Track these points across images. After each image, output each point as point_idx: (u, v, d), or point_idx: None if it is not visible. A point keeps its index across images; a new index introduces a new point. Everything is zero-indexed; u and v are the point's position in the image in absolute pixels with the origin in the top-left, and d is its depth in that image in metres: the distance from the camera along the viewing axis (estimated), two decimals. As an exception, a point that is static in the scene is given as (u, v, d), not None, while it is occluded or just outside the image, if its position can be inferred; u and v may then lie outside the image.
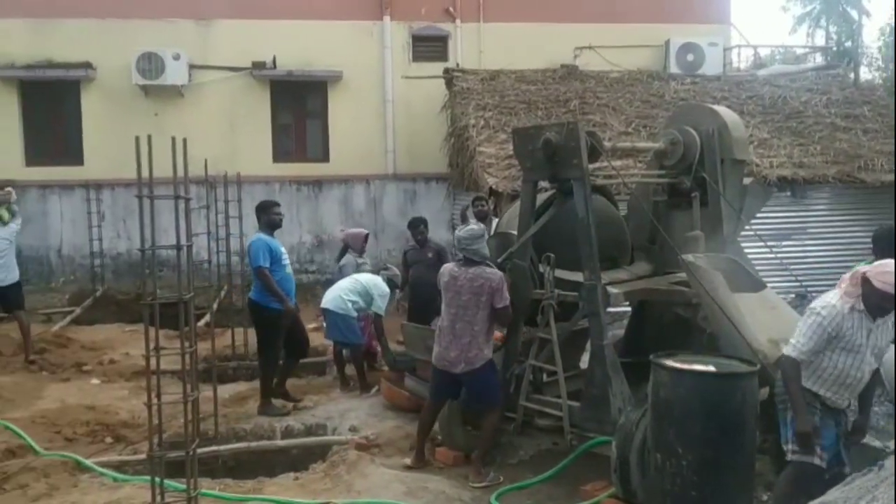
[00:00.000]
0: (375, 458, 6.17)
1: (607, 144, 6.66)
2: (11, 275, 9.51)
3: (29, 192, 13.82)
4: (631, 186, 7.40)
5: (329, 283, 9.72)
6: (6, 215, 9.62)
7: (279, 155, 14.74)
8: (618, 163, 9.36)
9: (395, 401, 7.54)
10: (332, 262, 12.26)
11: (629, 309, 7.51)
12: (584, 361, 6.74)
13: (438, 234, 14.39)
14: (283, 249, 7.77)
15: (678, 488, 4.50)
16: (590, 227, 5.83)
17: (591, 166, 6.05)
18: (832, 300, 4.39)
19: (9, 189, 9.72)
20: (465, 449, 6.23)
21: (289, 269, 7.81)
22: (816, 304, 4.45)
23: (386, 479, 5.67)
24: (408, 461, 6.16)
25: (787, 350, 4.44)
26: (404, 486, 5.56)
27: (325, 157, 14.84)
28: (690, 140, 6.45)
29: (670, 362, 4.66)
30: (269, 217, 7.71)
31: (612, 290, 5.88)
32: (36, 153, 14.23)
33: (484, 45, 14.81)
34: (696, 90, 13.30)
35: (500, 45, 14.64)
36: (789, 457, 4.46)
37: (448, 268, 6.04)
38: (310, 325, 11.23)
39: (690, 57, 14.54)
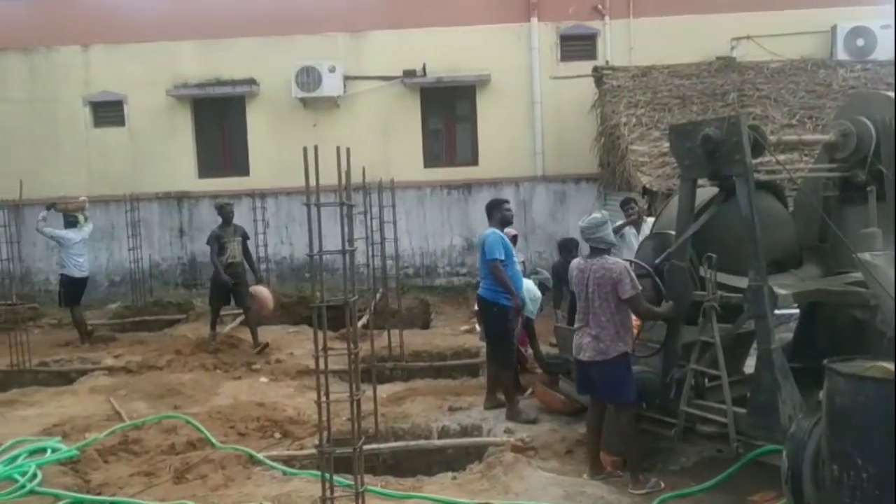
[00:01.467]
0: (532, 460, 6.15)
1: (771, 138, 6.33)
2: (86, 270, 11.62)
3: (202, 203, 14.83)
4: (798, 182, 7.00)
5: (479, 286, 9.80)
6: (82, 220, 11.61)
7: (429, 160, 15.03)
8: (782, 157, 8.88)
9: (550, 404, 7.51)
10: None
11: (797, 311, 7.11)
12: (749, 366, 6.44)
13: (589, 235, 14.22)
14: (512, 249, 7.80)
15: (858, 503, 4.20)
16: (754, 225, 5.56)
17: (753, 162, 5.77)
18: None
19: (84, 199, 11.67)
20: (624, 454, 6.10)
21: (518, 268, 7.86)
22: None
23: (543, 482, 5.66)
24: (585, 475, 5.95)
25: None
26: (562, 490, 5.53)
27: (474, 161, 15.00)
28: (864, 130, 6.01)
29: (848, 368, 4.36)
30: (501, 213, 7.80)
31: (780, 291, 5.58)
32: (207, 166, 15.25)
33: (634, 41, 14.47)
34: (868, 77, 12.44)
35: (651, 40, 14.26)
36: None
37: (576, 262, 6.06)
38: (462, 328, 11.45)
39: (860, 42, 13.60)
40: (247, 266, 11.14)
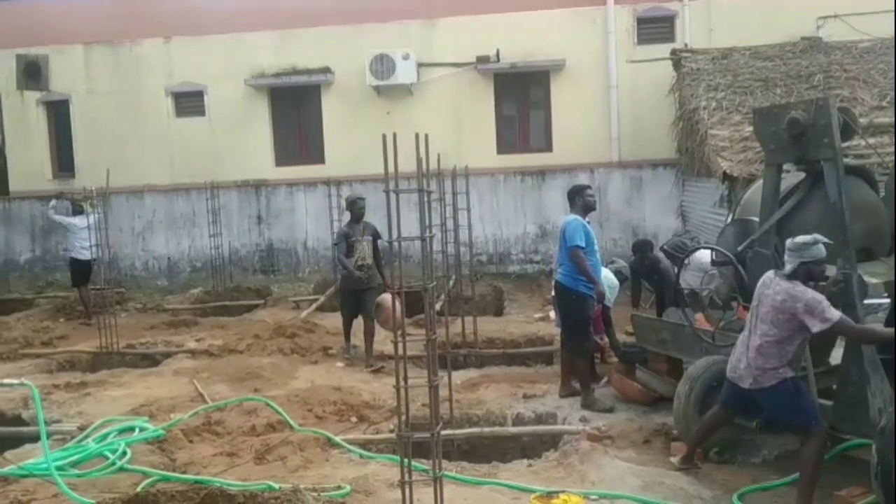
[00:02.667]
0: (609, 449, 6.09)
1: (861, 121, 6.10)
2: (91, 253, 12.13)
3: (279, 191, 15.13)
4: (889, 166, 6.72)
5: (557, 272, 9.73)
6: (88, 208, 12.39)
7: (503, 146, 14.96)
8: (872, 140, 8.54)
9: (627, 393, 7.41)
10: (556, 252, 12.28)
11: (887, 301, 6.83)
12: (835, 357, 6.23)
13: (666, 222, 13.99)
14: (594, 236, 7.63)
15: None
16: (843, 212, 5.37)
17: (842, 145, 5.56)
18: None
19: (91, 189, 12.14)
20: (703, 445, 5.98)
21: (598, 256, 7.68)
22: None
23: (620, 472, 5.60)
24: (673, 460, 5.82)
25: None
26: (640, 481, 5.46)
27: (548, 147, 14.86)
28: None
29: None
30: (584, 200, 7.60)
31: (871, 279, 5.38)
32: (284, 154, 15.54)
33: (714, 23, 14.06)
34: (963, 55, 11.79)
35: (731, 21, 13.85)
36: None
37: (767, 274, 5.25)
38: (536, 315, 11.40)
39: (956, 18, 12.89)
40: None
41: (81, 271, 12.59)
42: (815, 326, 4.88)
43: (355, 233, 9.57)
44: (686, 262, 7.48)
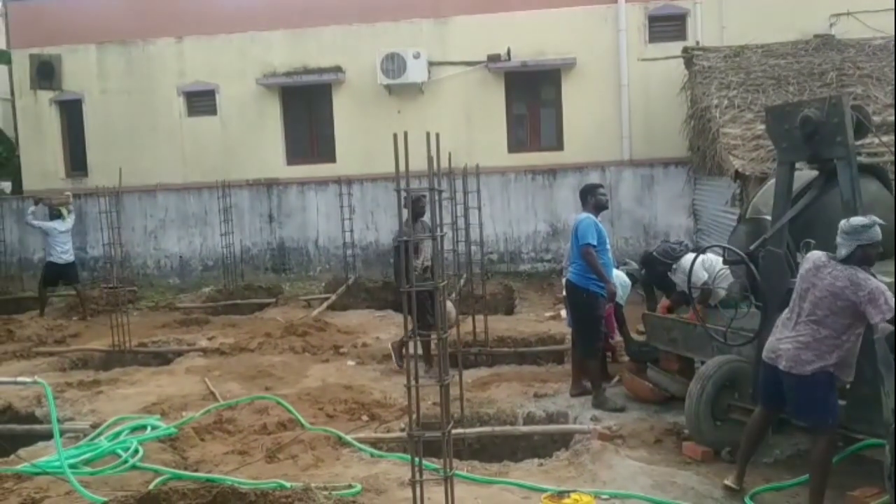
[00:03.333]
0: (620, 449, 6.08)
1: (875, 119, 6.05)
2: (71, 256, 12.83)
3: (290, 190, 15.17)
4: (902, 164, 6.68)
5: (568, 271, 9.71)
6: (65, 213, 12.87)
7: (514, 145, 14.97)
8: (886, 138, 8.48)
9: (638, 392, 7.38)
10: (567, 250, 12.26)
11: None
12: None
13: (678, 220, 13.94)
14: (606, 234, 7.59)
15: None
16: (856, 211, 5.32)
17: (856, 144, 5.52)
18: None
19: (68, 194, 12.76)
20: (714, 444, 5.97)
21: (610, 255, 7.65)
22: None
23: (632, 472, 5.59)
24: (728, 482, 5.38)
25: None
26: (651, 480, 5.44)
27: (559, 146, 14.85)
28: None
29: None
30: (596, 198, 7.56)
31: (884, 279, 5.32)
32: (295, 153, 15.59)
33: (726, 20, 14.02)
34: (979, 53, 11.69)
35: (743, 18, 13.81)
36: None
37: (816, 255, 5.07)
38: (547, 314, 11.39)
39: (971, 15, 12.78)
40: None
41: (55, 274, 13.00)
42: (876, 317, 4.67)
43: (418, 232, 8.88)
44: (674, 266, 7.67)
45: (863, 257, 4.83)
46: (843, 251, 4.84)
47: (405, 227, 8.48)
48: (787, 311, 5.18)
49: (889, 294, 4.69)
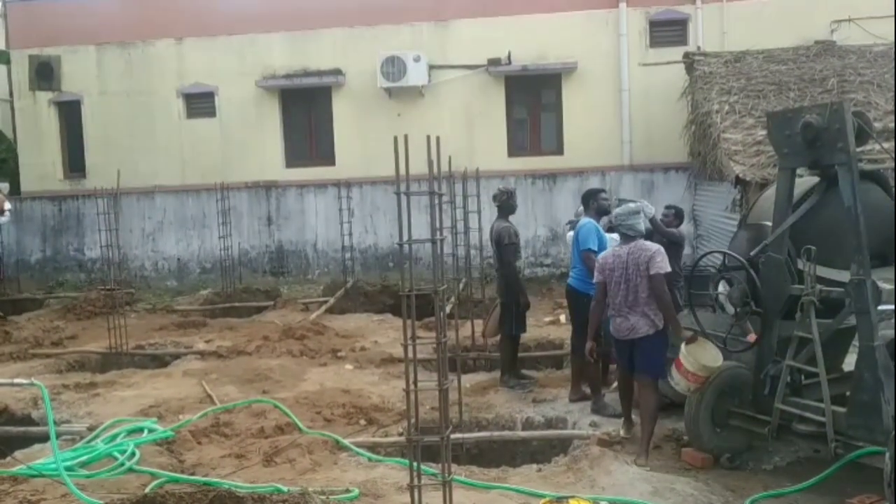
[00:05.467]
0: (619, 454, 6.05)
1: (877, 125, 6.03)
2: None
3: (289, 192, 15.15)
4: (903, 170, 6.65)
5: (564, 276, 9.69)
6: None
7: (514, 149, 14.96)
8: (887, 145, 8.47)
9: (637, 398, 7.34)
10: (567, 255, 12.24)
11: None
12: (848, 363, 6.17)
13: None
14: (608, 239, 7.53)
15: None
16: (857, 217, 5.30)
17: (857, 150, 5.50)
18: None
19: (2, 196, 12.67)
20: (714, 451, 5.95)
21: None
22: None
23: (630, 478, 5.56)
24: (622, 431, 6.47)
25: None
26: (650, 486, 5.42)
27: (559, 150, 14.84)
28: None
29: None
30: (598, 203, 7.61)
31: (885, 286, 5.31)
32: (294, 155, 15.57)
33: (727, 26, 14.03)
34: (979, 60, 11.68)
35: (745, 24, 13.82)
36: None
37: (608, 253, 6.41)
38: (546, 318, 11.35)
39: (971, 22, 12.79)
40: None
41: None
42: (652, 269, 6.06)
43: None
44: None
45: (624, 238, 6.29)
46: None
47: (513, 226, 8.27)
48: (618, 299, 6.22)
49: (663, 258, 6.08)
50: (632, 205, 6.36)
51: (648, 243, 6.24)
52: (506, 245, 8.13)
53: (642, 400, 6.22)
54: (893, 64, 11.36)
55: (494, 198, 8.44)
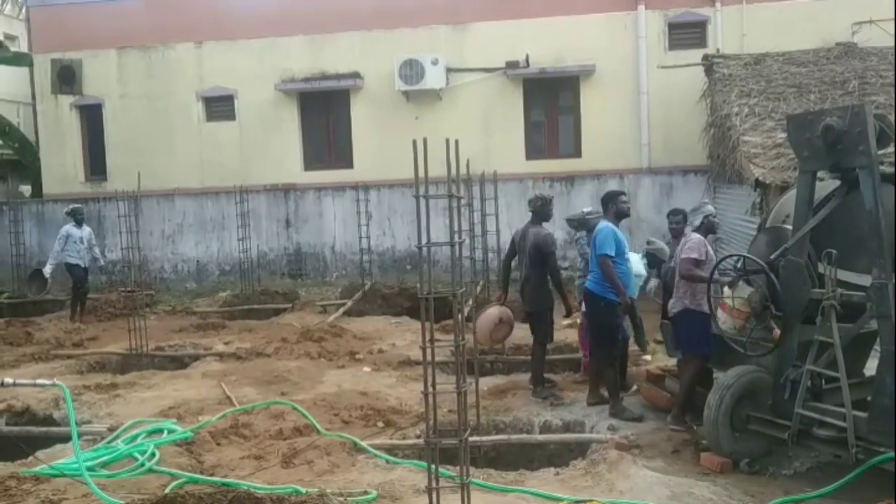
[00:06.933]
0: (637, 459, 6.02)
1: (899, 128, 5.97)
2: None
3: (307, 195, 15.22)
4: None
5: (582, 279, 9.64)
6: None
7: (532, 152, 14.94)
8: (909, 148, 8.38)
9: (656, 401, 7.34)
10: (574, 257, 12.17)
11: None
12: (869, 368, 6.12)
13: (696, 229, 13.81)
14: (626, 243, 7.51)
15: None
16: (879, 220, 5.26)
17: (878, 153, 5.46)
18: None
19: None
20: (733, 456, 5.91)
21: (629, 265, 7.56)
22: None
23: (649, 482, 5.54)
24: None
25: None
26: (668, 490, 5.39)
27: (577, 153, 14.81)
28: None
29: None
30: (617, 206, 7.49)
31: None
32: (313, 158, 15.65)
33: (747, 28, 13.96)
34: None
35: (764, 26, 13.73)
36: None
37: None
38: (564, 322, 11.30)
39: None
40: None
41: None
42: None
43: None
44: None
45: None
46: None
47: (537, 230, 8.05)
48: None
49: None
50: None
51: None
52: (550, 252, 7.96)
53: (680, 372, 7.00)
54: (893, 64, 11.27)
55: (530, 202, 8.31)
